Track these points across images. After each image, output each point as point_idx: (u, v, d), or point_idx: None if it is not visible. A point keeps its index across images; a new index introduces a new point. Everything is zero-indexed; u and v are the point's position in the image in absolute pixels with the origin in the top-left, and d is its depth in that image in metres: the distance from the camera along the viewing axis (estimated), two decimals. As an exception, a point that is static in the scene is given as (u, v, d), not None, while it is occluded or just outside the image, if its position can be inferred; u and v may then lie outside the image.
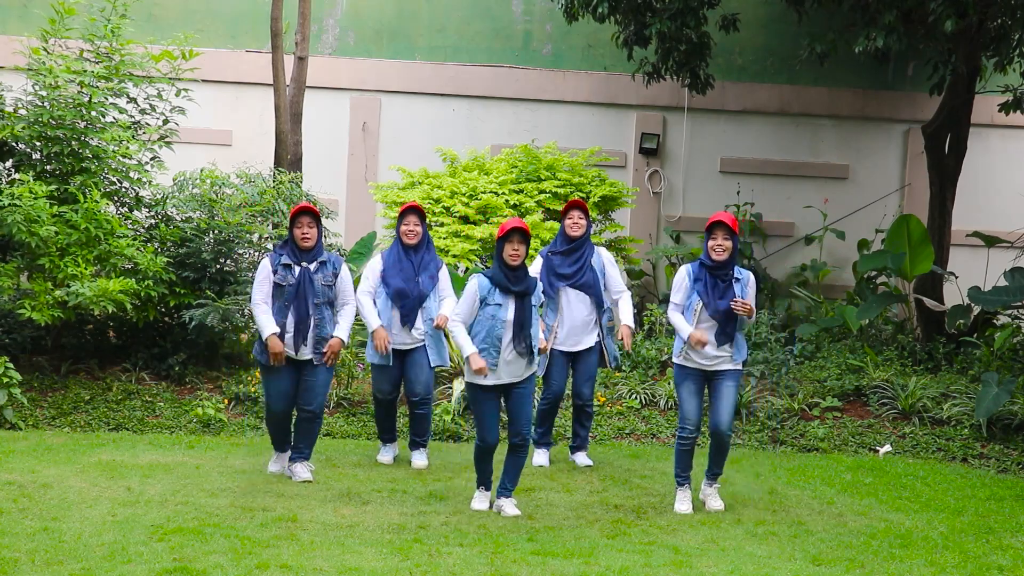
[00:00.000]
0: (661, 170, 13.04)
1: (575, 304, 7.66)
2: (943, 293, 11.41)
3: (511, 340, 6.44)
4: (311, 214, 7.01)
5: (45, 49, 9.50)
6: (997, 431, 9.15)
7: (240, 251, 9.77)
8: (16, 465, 7.27)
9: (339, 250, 10.33)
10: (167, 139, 10.00)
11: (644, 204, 12.88)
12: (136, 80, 9.76)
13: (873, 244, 12.57)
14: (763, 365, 10.18)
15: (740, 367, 6.91)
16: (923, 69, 12.04)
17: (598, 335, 7.78)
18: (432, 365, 7.67)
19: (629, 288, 12.18)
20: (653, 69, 11.55)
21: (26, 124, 9.23)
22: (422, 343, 7.61)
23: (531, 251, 10.00)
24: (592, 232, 10.45)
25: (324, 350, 7.08)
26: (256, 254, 9.92)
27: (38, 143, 9.33)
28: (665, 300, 10.71)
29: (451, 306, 7.56)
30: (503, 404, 6.71)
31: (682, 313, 6.84)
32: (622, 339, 7.75)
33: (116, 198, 9.80)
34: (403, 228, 7.59)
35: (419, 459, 7.75)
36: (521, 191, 10.87)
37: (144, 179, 9.83)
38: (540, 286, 6.66)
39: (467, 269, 10.31)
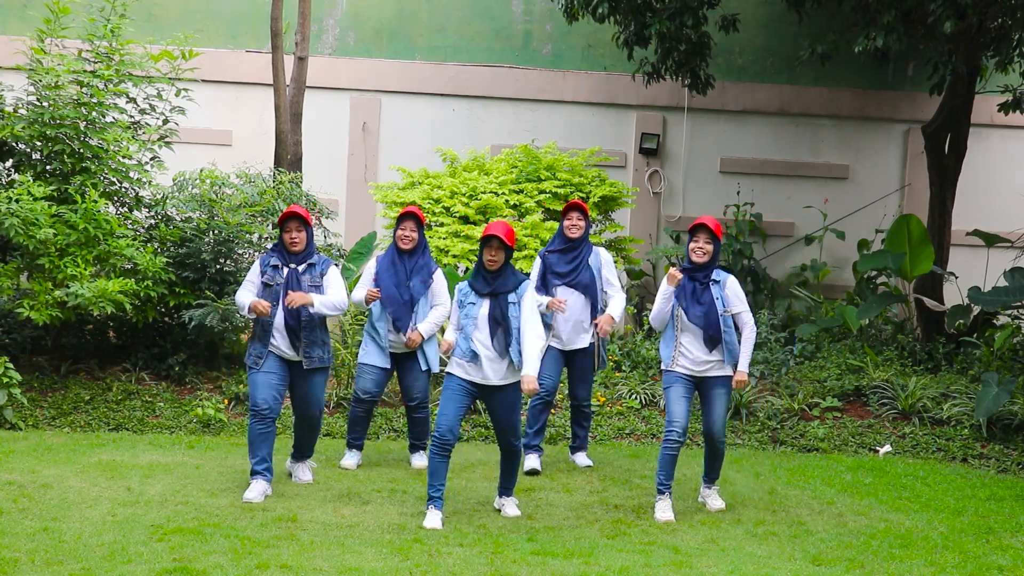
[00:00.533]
0: (661, 170, 13.04)
1: (569, 303, 7.60)
2: (943, 293, 11.41)
3: (488, 337, 6.38)
4: (299, 218, 6.98)
5: (42, 49, 9.50)
6: (997, 431, 9.15)
7: (240, 251, 9.76)
8: (16, 465, 7.27)
9: (339, 250, 10.33)
10: (167, 139, 10.00)
11: (644, 204, 12.88)
12: (136, 80, 9.76)
13: (873, 244, 12.57)
14: (763, 365, 10.19)
15: (731, 373, 6.82)
16: (923, 69, 12.04)
17: (593, 336, 7.74)
18: (423, 367, 7.66)
19: (627, 289, 12.27)
20: (653, 69, 11.55)
21: (26, 124, 9.23)
22: (416, 347, 7.61)
23: (531, 251, 10.07)
24: (591, 232, 10.46)
25: (290, 304, 6.76)
26: (256, 254, 9.91)
27: (38, 143, 9.33)
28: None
29: (441, 314, 7.62)
30: (488, 413, 6.65)
31: (663, 319, 6.83)
32: (599, 323, 7.62)
33: (116, 198, 9.80)
34: (399, 233, 7.59)
35: (419, 460, 7.76)
36: (521, 191, 10.87)
37: (144, 179, 9.83)
38: (526, 284, 6.51)
39: (467, 269, 10.31)
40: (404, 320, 7.52)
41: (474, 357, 6.39)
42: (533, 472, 7.66)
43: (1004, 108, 11.21)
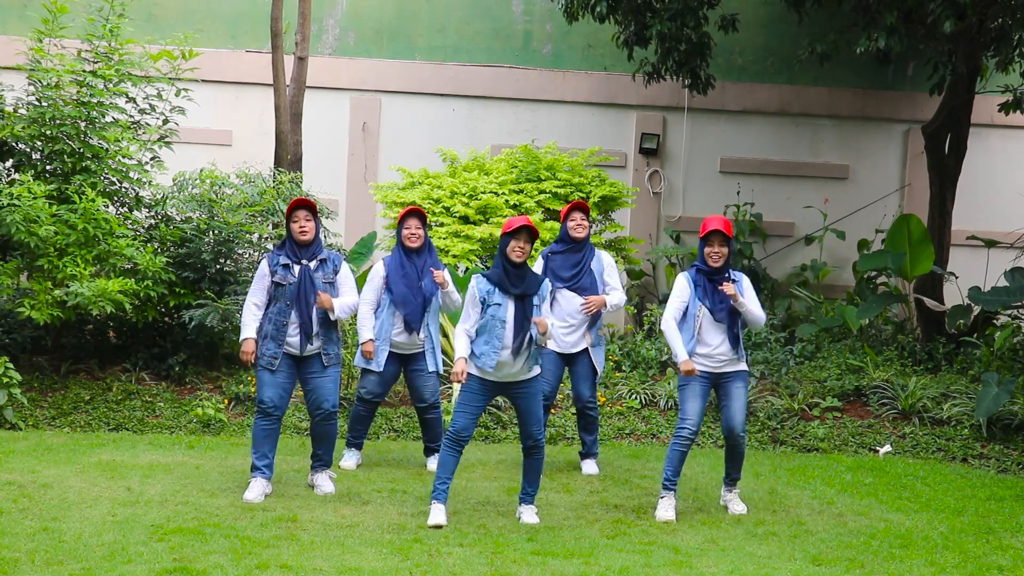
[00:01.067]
0: (661, 170, 13.04)
1: (570, 307, 7.61)
2: (943, 293, 11.41)
3: (511, 340, 6.32)
4: (307, 207, 6.92)
5: (41, 48, 9.49)
6: (997, 431, 9.15)
7: (240, 251, 9.76)
8: (16, 465, 7.27)
9: (339, 250, 10.32)
10: (167, 139, 10.00)
11: (644, 204, 12.89)
12: (135, 80, 9.76)
13: (873, 244, 12.57)
14: (763, 365, 10.19)
15: (747, 368, 6.90)
16: (923, 69, 12.04)
17: (594, 337, 7.73)
18: (430, 368, 7.62)
19: (627, 289, 12.27)
20: (653, 69, 11.55)
21: (26, 124, 9.23)
22: (422, 349, 7.59)
23: (532, 252, 10.07)
24: (592, 232, 10.46)
25: (316, 301, 6.84)
26: (256, 254, 9.92)
27: (38, 143, 9.34)
28: (665, 300, 10.69)
29: (461, 339, 7.53)
30: (513, 406, 6.63)
31: (679, 323, 6.80)
32: (588, 300, 7.58)
33: (116, 198, 9.80)
34: (404, 232, 7.54)
35: (434, 463, 7.59)
36: (521, 191, 10.88)
37: (144, 179, 9.83)
38: (547, 285, 6.52)
39: (467, 269, 10.32)
40: (417, 321, 7.50)
41: (491, 363, 6.31)
42: None
43: (1004, 108, 11.21)
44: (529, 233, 6.34)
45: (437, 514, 6.35)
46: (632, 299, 12.02)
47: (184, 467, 7.43)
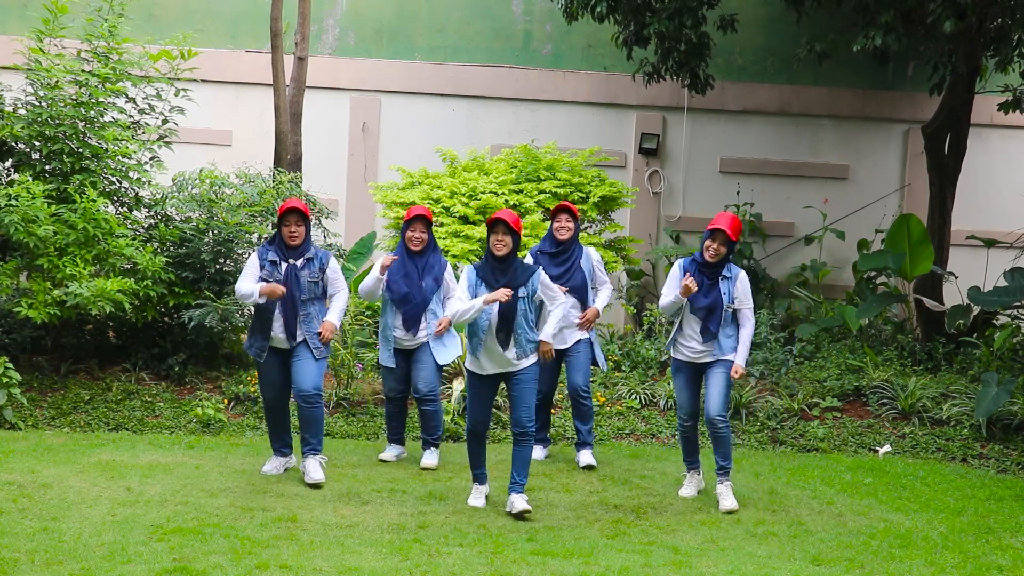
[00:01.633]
0: (661, 170, 13.04)
1: (575, 323, 7.73)
2: (943, 293, 11.41)
3: (496, 331, 6.50)
4: (299, 212, 7.04)
5: (41, 48, 9.50)
6: (997, 431, 9.15)
7: (239, 251, 9.76)
8: (16, 465, 7.27)
9: (339, 250, 10.33)
10: (166, 139, 10.00)
11: (644, 204, 12.89)
12: (135, 80, 9.76)
13: (873, 244, 12.57)
14: (763, 365, 10.19)
15: (729, 358, 6.96)
16: (923, 69, 12.05)
17: (588, 332, 7.81)
18: (440, 364, 7.66)
19: (627, 289, 12.28)
20: (653, 69, 11.55)
21: (25, 124, 9.23)
22: (425, 341, 7.63)
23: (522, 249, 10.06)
24: (583, 231, 10.45)
25: (319, 332, 7.13)
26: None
27: (37, 143, 9.33)
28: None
29: (456, 306, 7.57)
30: (508, 392, 6.76)
31: (671, 308, 7.00)
32: (583, 318, 7.70)
33: (115, 198, 9.80)
34: (408, 235, 7.62)
35: (429, 458, 7.71)
36: (521, 191, 10.88)
37: (143, 179, 9.83)
38: (540, 275, 6.63)
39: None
40: (415, 319, 7.55)
41: (479, 350, 6.57)
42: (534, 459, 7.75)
43: (1004, 108, 11.21)
44: (507, 225, 6.45)
45: (476, 497, 6.76)
46: (632, 299, 12.02)
47: (184, 467, 7.43)
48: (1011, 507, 7.36)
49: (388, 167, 12.21)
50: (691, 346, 6.99)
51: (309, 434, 7.23)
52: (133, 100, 9.92)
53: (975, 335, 10.94)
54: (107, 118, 9.57)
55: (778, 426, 9.29)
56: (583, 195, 10.89)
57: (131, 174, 9.74)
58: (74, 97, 9.36)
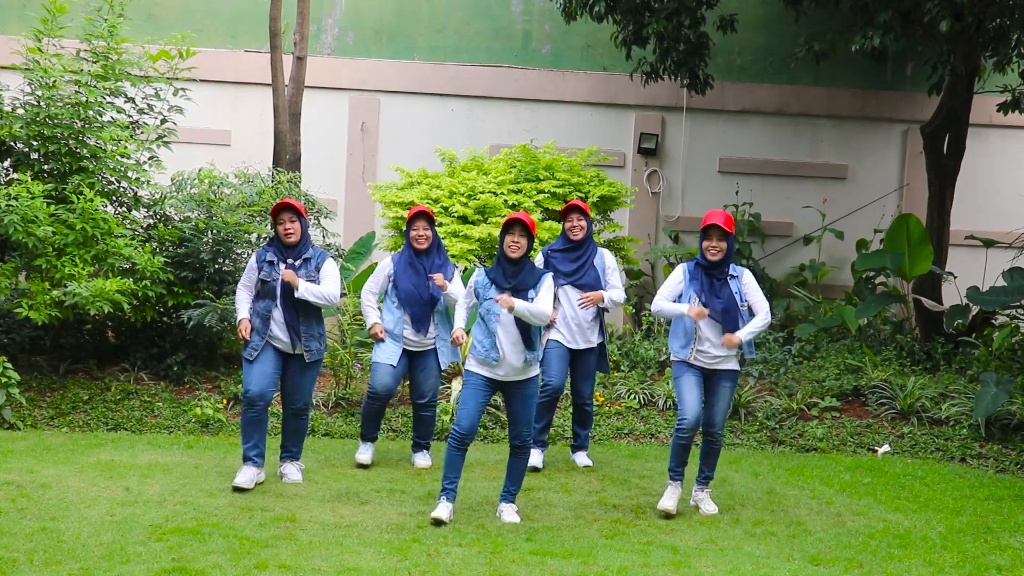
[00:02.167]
0: (660, 170, 13.04)
1: (576, 303, 7.66)
2: (942, 293, 11.42)
3: (504, 332, 6.38)
4: (292, 210, 7.04)
5: (39, 48, 9.50)
6: (996, 431, 9.15)
7: (238, 251, 9.76)
8: (15, 465, 7.27)
9: (338, 250, 10.33)
10: (165, 139, 10.00)
11: (643, 204, 12.89)
12: (134, 80, 9.76)
13: (872, 244, 12.58)
14: (762, 365, 10.19)
15: (739, 368, 6.91)
16: (922, 69, 12.05)
17: (599, 336, 7.79)
18: (444, 366, 7.67)
19: (626, 289, 12.26)
20: (652, 69, 11.56)
21: (23, 124, 9.23)
22: (432, 347, 7.64)
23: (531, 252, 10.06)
24: (594, 231, 10.44)
25: (280, 277, 6.97)
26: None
27: (35, 142, 9.33)
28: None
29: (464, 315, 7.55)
30: (505, 404, 6.66)
31: (674, 325, 6.87)
32: (587, 296, 7.62)
33: (114, 198, 9.80)
34: (412, 233, 7.60)
35: (422, 460, 7.78)
36: (520, 191, 10.88)
37: (142, 179, 9.83)
38: (548, 278, 6.51)
39: (465, 269, 10.32)
40: (423, 319, 7.55)
41: (494, 355, 6.38)
42: (533, 469, 7.66)
43: (1003, 108, 11.22)
44: (523, 227, 6.40)
45: (442, 509, 6.39)
46: (631, 299, 12.02)
47: (183, 467, 7.43)
48: (1010, 507, 7.36)
49: (387, 167, 12.20)
50: (709, 351, 6.77)
51: (291, 443, 7.28)
52: (132, 100, 9.92)
53: (974, 335, 10.94)
54: (106, 118, 9.57)
55: (777, 426, 9.29)
56: (582, 195, 10.88)
57: (130, 174, 9.73)
58: (72, 97, 9.36)
